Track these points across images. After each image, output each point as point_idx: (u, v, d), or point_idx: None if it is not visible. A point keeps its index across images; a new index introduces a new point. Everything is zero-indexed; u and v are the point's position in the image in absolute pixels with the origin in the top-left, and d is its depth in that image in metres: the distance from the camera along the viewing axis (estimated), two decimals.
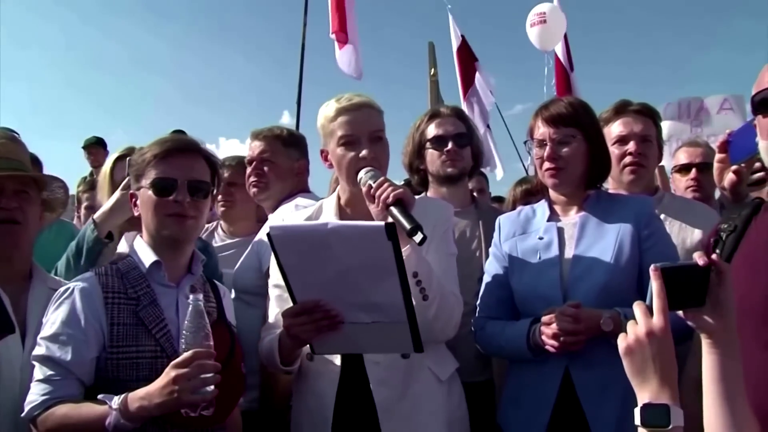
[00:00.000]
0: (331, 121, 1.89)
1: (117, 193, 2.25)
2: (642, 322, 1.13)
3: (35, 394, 1.60)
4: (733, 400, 1.10)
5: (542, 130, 2.01)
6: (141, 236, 1.83)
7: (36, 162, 2.89)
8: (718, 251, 1.60)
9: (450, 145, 2.48)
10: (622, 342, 1.14)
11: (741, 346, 1.16)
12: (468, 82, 6.97)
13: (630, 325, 1.15)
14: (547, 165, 2.00)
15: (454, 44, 7.08)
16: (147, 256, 1.76)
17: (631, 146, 2.42)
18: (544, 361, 1.90)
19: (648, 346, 1.10)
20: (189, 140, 1.86)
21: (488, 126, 7.28)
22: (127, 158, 2.56)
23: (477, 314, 2.13)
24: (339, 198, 2.01)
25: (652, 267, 1.15)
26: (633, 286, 1.91)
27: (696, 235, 2.33)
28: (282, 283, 1.77)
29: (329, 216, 1.98)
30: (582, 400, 1.84)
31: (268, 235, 1.58)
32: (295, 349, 1.81)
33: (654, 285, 1.14)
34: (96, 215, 2.29)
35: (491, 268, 2.14)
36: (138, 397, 1.52)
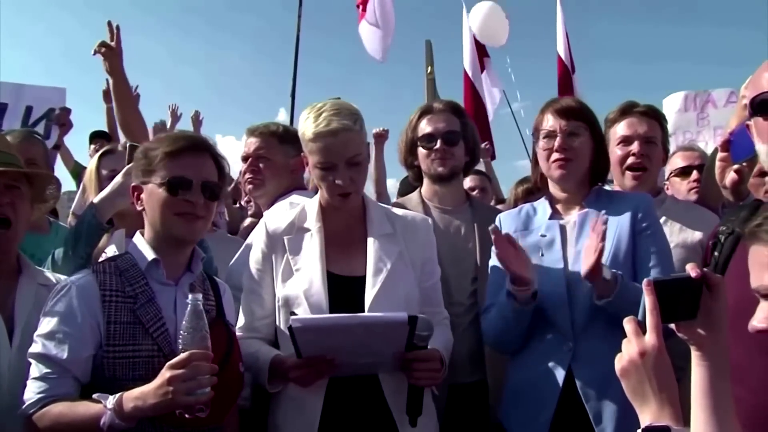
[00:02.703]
0: (308, 142, 1.87)
1: (119, 178, 2.18)
2: (633, 342, 1.10)
3: (31, 391, 1.59)
4: (720, 412, 1.09)
5: (552, 122, 2.01)
6: (141, 233, 1.81)
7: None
8: (717, 254, 1.59)
9: (438, 144, 2.40)
10: (618, 363, 1.13)
11: (740, 347, 1.15)
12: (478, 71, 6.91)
13: (624, 344, 1.13)
14: (555, 156, 2.00)
15: (469, 35, 6.94)
16: (146, 254, 1.75)
17: (634, 147, 2.40)
18: (545, 359, 1.91)
19: (642, 366, 1.08)
20: (201, 139, 1.84)
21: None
22: (113, 154, 2.55)
23: (483, 310, 2.13)
24: (321, 203, 2.00)
25: (644, 281, 1.13)
26: (632, 279, 1.91)
27: (696, 235, 2.32)
28: (255, 277, 1.98)
29: (311, 220, 1.97)
30: (583, 398, 1.84)
31: (290, 327, 1.66)
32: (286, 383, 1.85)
33: (647, 300, 1.11)
34: (96, 199, 2.21)
35: (496, 262, 2.12)
36: (133, 397, 1.50)
